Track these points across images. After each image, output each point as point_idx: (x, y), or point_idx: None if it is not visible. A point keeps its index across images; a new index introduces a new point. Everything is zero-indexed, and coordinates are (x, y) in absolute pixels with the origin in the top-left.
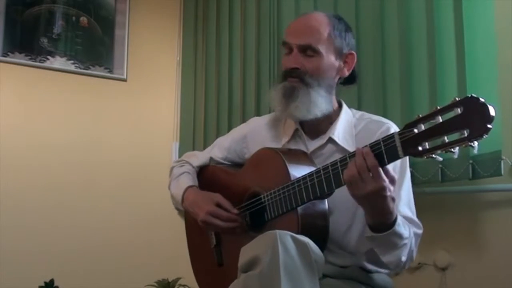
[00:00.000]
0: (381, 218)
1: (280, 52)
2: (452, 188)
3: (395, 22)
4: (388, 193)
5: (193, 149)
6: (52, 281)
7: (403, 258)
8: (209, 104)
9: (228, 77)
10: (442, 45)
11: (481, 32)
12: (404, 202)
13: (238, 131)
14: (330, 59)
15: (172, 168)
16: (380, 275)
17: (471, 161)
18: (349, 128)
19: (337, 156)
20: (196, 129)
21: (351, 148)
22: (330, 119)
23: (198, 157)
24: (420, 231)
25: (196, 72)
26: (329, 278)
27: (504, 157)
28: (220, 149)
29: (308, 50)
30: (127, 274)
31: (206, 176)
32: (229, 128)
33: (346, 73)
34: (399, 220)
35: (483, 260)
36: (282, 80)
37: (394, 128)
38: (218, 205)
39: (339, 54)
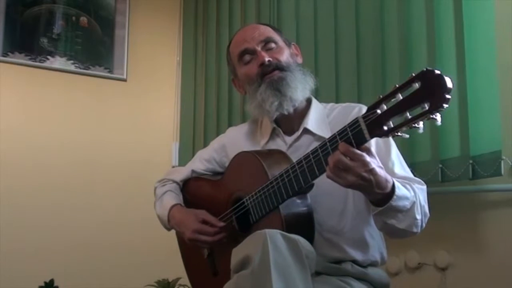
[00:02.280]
0: (380, 190)
1: (237, 69)
2: (452, 188)
3: (395, 22)
4: (373, 165)
5: (193, 149)
6: (52, 281)
7: (418, 217)
8: (209, 104)
9: (228, 77)
10: (442, 45)
11: (481, 32)
12: (397, 165)
13: (217, 141)
14: (286, 47)
15: (155, 189)
16: (375, 269)
17: (471, 161)
18: (321, 118)
19: (316, 145)
20: (196, 129)
21: (326, 135)
22: (302, 113)
23: (180, 172)
24: (423, 186)
25: (196, 72)
26: (324, 275)
27: (504, 157)
28: (201, 161)
29: (270, 43)
30: (127, 274)
31: (190, 190)
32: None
33: (300, 60)
34: (397, 183)
35: (483, 260)
36: (260, 81)
37: (365, 109)
38: (204, 222)
39: (287, 44)
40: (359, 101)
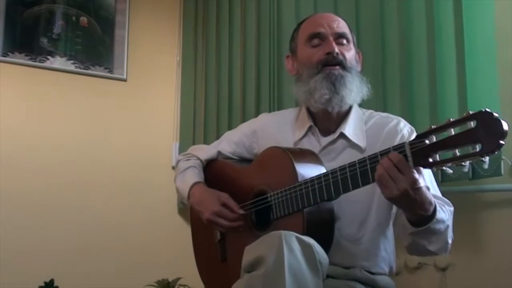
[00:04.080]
0: (423, 212)
1: (300, 49)
2: (452, 188)
3: (395, 22)
4: (422, 184)
5: None
6: (52, 281)
7: (450, 241)
8: (209, 104)
9: (228, 77)
10: (442, 45)
11: (481, 32)
12: (429, 185)
13: (248, 126)
14: (354, 50)
15: (178, 161)
16: (383, 277)
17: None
18: (359, 124)
19: (349, 152)
20: (196, 129)
21: (362, 144)
22: (342, 116)
23: (205, 151)
24: (451, 208)
25: (196, 72)
26: (332, 278)
27: (504, 157)
28: (229, 143)
29: (343, 39)
30: (127, 274)
31: (213, 171)
32: (229, 128)
33: (359, 68)
34: (438, 206)
35: (483, 260)
36: (320, 69)
37: (403, 123)
38: (224, 205)
39: (355, 49)
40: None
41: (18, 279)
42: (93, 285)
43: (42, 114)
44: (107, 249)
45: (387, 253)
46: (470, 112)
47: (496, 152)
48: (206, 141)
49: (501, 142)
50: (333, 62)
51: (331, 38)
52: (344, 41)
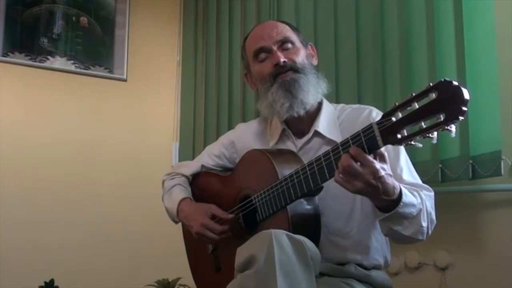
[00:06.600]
0: (387, 197)
1: (251, 66)
2: (452, 188)
3: (395, 22)
4: (383, 172)
5: (193, 149)
6: (52, 281)
7: (424, 224)
8: (209, 104)
9: (228, 77)
10: (442, 45)
11: (481, 32)
12: (405, 171)
13: (226, 137)
14: (303, 48)
15: (163, 182)
16: (378, 272)
17: (471, 161)
18: (332, 120)
19: (325, 149)
20: (196, 129)
21: (337, 139)
22: (313, 115)
23: (189, 166)
24: (430, 193)
25: (196, 72)
26: (327, 276)
27: (504, 157)
28: (210, 156)
29: (287, 44)
30: (127, 274)
31: (199, 184)
32: (229, 128)
33: (315, 62)
34: (404, 190)
35: (483, 260)
36: (273, 81)
37: (375, 112)
38: (213, 216)
39: (304, 45)
40: (359, 101)
41: (18, 279)
42: (93, 285)
43: (42, 114)
44: (107, 249)
45: (378, 244)
46: (431, 84)
47: (460, 119)
48: (206, 141)
49: (463, 108)
50: (282, 71)
51: (275, 48)
52: (289, 45)
